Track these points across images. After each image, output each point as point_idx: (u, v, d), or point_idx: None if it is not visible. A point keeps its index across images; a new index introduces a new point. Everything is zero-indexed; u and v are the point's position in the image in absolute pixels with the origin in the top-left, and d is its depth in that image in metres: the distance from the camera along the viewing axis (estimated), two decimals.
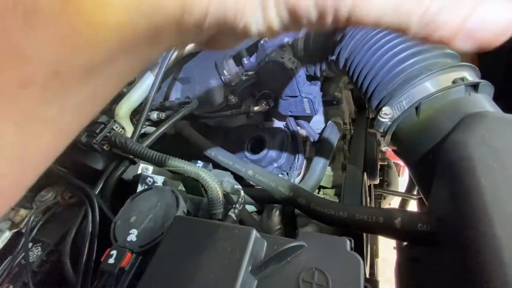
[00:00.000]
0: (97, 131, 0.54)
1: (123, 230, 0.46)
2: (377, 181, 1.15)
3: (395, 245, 1.69)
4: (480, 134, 0.35)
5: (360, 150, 1.00)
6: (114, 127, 0.55)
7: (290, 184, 0.58)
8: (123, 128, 0.63)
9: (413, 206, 1.79)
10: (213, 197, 0.53)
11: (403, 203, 1.75)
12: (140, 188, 0.59)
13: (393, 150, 1.71)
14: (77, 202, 0.57)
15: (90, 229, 0.49)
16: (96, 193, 0.55)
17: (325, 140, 0.88)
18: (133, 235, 0.44)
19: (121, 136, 0.54)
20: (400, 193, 1.66)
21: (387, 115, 0.49)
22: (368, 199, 1.04)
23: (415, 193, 1.71)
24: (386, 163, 1.45)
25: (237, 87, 0.88)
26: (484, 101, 0.43)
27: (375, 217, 0.41)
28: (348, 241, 0.33)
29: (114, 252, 0.42)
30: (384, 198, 1.87)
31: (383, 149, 1.65)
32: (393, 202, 2.05)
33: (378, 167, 1.15)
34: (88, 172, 0.60)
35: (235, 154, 0.84)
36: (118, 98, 0.99)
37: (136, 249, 0.42)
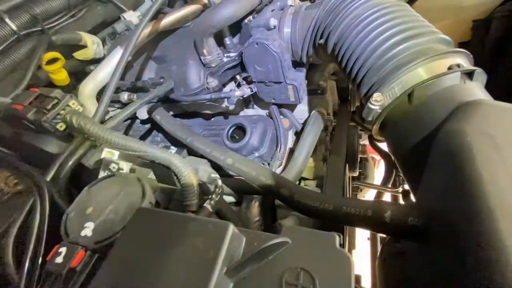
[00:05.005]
0: (48, 107, 0.45)
1: (76, 223, 0.39)
2: (357, 173, 1.15)
3: (368, 236, 1.75)
4: (478, 123, 0.33)
5: (342, 142, 0.98)
6: (70, 104, 0.47)
7: (272, 173, 0.53)
8: (81, 105, 0.54)
9: (387, 199, 1.85)
10: (187, 186, 0.47)
11: (379, 195, 1.80)
12: (102, 175, 0.52)
13: (371, 143, 1.73)
14: (24, 190, 0.49)
15: (37, 222, 0.42)
16: (48, 180, 0.47)
17: (308, 131, 0.85)
18: (88, 229, 0.38)
19: (78, 114, 0.46)
20: (377, 186, 1.70)
21: (377, 101, 0.46)
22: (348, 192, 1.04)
23: (389, 186, 1.77)
24: (365, 156, 1.46)
25: (218, 69, 0.81)
26: (478, 90, 0.41)
27: (363, 210, 0.38)
28: (337, 237, 0.29)
29: (63, 249, 0.35)
30: (361, 190, 1.91)
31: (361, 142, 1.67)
32: (367, 195, 2.11)
33: (359, 159, 1.15)
34: (38, 156, 0.51)
35: (214, 142, 0.78)
36: (84, 76, 0.88)
37: (91, 246, 0.36)
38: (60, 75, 0.86)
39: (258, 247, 0.27)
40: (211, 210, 0.46)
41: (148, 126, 1.05)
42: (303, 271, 0.27)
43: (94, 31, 1.02)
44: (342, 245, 0.29)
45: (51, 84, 0.90)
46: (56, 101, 0.46)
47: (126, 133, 1.05)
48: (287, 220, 0.71)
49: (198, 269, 0.26)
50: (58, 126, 0.47)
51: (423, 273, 0.33)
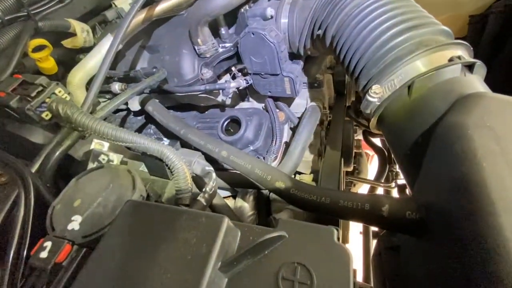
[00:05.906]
0: (33, 95, 0.43)
1: (63, 217, 0.37)
2: (351, 168, 1.15)
3: (361, 230, 1.77)
4: (479, 115, 0.32)
5: (338, 136, 0.98)
6: (57, 92, 0.45)
7: (268, 166, 0.52)
8: (69, 93, 0.51)
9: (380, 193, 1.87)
10: (180, 179, 0.46)
11: (372, 190, 1.82)
12: (91, 167, 0.50)
13: (365, 138, 1.74)
14: (8, 182, 0.46)
15: (21, 216, 0.40)
16: (33, 171, 0.45)
17: (304, 124, 0.84)
18: (75, 223, 0.36)
19: (65, 103, 0.44)
20: (370, 181, 1.72)
21: (376, 94, 0.45)
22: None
23: (382, 181, 1.79)
24: (360, 151, 1.47)
25: (213, 60, 0.79)
26: (478, 82, 0.40)
27: (361, 204, 0.37)
28: (335, 231, 0.28)
29: (48, 244, 0.33)
30: (354, 185, 1.93)
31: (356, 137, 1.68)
32: (360, 190, 2.13)
33: (353, 154, 1.15)
34: (23, 146, 0.49)
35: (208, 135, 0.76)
36: (73, 65, 0.85)
37: (78, 240, 0.34)
38: (48, 63, 0.83)
39: (253, 242, 0.25)
40: (204, 203, 0.45)
41: (141, 118, 1.03)
42: (300, 266, 0.26)
43: (83, 19, 0.98)
44: (340, 239, 0.28)
45: (38, 73, 0.86)
46: (41, 88, 0.44)
47: (119, 126, 1.03)
48: (281, 214, 0.70)
49: (190, 264, 0.25)
50: (43, 115, 0.45)
51: (420, 267, 0.33)
